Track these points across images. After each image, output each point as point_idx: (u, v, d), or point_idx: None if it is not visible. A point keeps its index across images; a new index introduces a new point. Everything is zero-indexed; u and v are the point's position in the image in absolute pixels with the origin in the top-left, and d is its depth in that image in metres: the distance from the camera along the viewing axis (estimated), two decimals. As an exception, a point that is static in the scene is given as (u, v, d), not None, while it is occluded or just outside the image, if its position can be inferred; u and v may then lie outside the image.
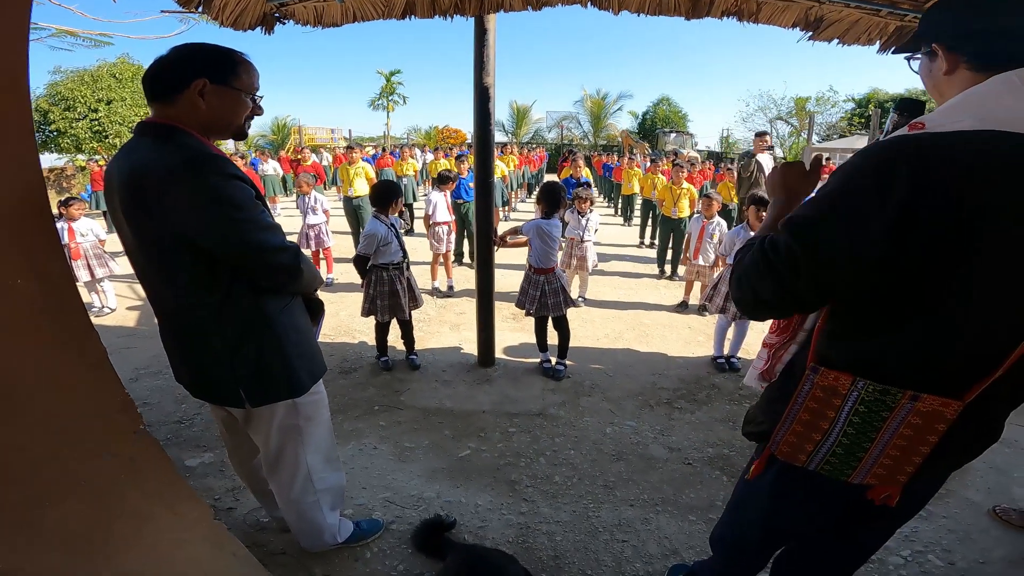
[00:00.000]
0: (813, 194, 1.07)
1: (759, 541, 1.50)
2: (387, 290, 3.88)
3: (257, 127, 31.41)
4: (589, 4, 2.91)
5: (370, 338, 4.73)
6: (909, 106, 1.42)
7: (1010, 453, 2.96)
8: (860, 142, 24.36)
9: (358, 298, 5.59)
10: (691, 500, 2.60)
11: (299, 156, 11.48)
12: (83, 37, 12.42)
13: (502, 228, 4.18)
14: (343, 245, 7.87)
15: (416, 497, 2.56)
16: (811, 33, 2.99)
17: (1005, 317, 0.89)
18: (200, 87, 1.36)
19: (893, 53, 1.20)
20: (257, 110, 1.53)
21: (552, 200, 3.86)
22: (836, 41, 3.04)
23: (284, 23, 3.30)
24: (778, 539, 1.48)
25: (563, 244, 5.46)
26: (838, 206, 0.91)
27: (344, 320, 5.24)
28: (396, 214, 3.92)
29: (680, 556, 2.20)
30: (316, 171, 9.17)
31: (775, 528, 1.40)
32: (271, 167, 11.69)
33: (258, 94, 1.52)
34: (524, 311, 4.06)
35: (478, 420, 3.40)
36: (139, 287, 6.18)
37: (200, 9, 2.84)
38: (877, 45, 2.99)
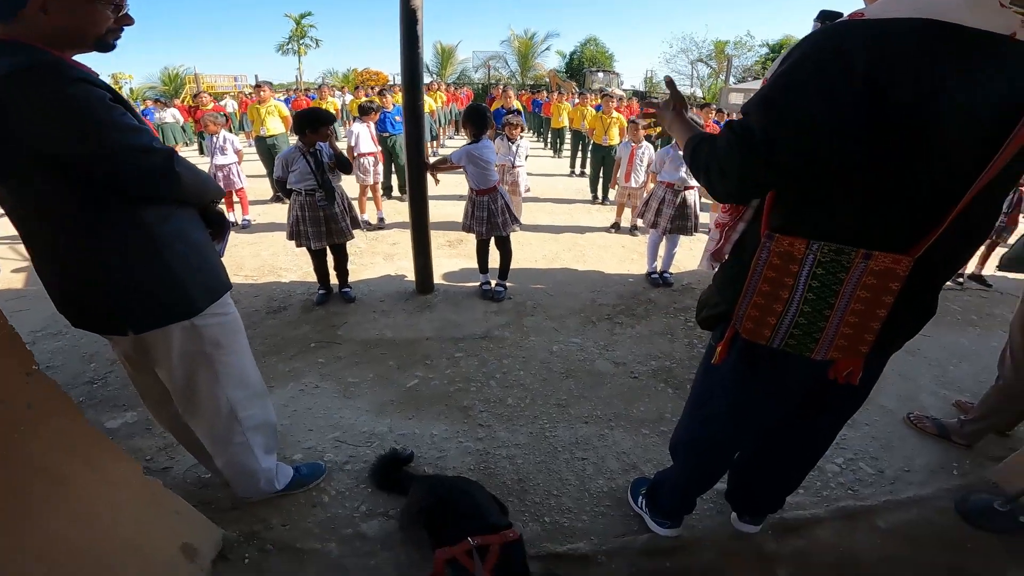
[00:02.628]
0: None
1: (724, 436, 1.46)
2: (307, 216, 3.48)
3: (145, 78, 27.44)
4: None
5: (297, 275, 4.34)
6: (830, 15, 1.56)
7: (915, 361, 3.11)
8: None
9: (279, 238, 5.10)
10: (642, 413, 2.55)
11: (197, 102, 9.96)
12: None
13: (432, 160, 3.83)
14: (260, 188, 7.13)
15: (368, 433, 2.33)
16: None
17: (950, 176, 0.91)
18: (41, 2, 1.14)
19: None
20: (124, 19, 1.29)
21: (478, 121, 3.57)
22: None
23: None
24: (743, 431, 1.44)
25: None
26: (805, 80, 0.90)
27: (267, 260, 4.72)
28: (322, 141, 3.44)
29: (639, 470, 2.15)
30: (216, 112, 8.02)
31: (741, 417, 1.36)
32: (169, 114, 10.05)
33: (124, 1, 1.27)
34: (474, 234, 3.82)
35: (422, 348, 3.18)
36: (21, 247, 5.25)
37: None
38: None
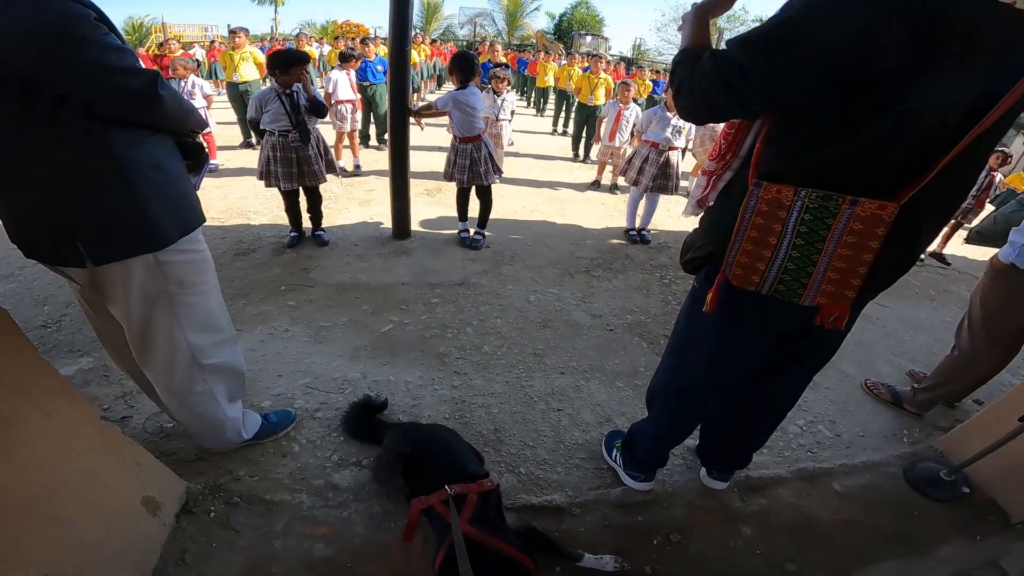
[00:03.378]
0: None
1: (703, 383, 1.45)
2: (278, 156, 3.30)
3: None
4: None
5: (267, 218, 4.13)
6: None
7: (874, 330, 3.16)
8: None
9: (248, 182, 4.81)
10: (616, 366, 2.53)
11: (163, 50, 9.12)
12: None
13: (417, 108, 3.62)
14: (229, 134, 6.70)
15: (340, 380, 2.24)
16: None
17: (940, 125, 0.91)
18: None
19: None
20: None
21: (464, 69, 3.39)
22: None
23: None
24: (721, 379, 1.43)
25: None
26: (797, 27, 0.89)
27: (236, 203, 4.44)
28: (297, 82, 3.25)
29: (613, 423, 2.13)
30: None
31: (722, 363, 1.36)
32: None
33: None
34: (455, 183, 3.68)
35: (398, 293, 3.06)
36: None
37: None
38: None
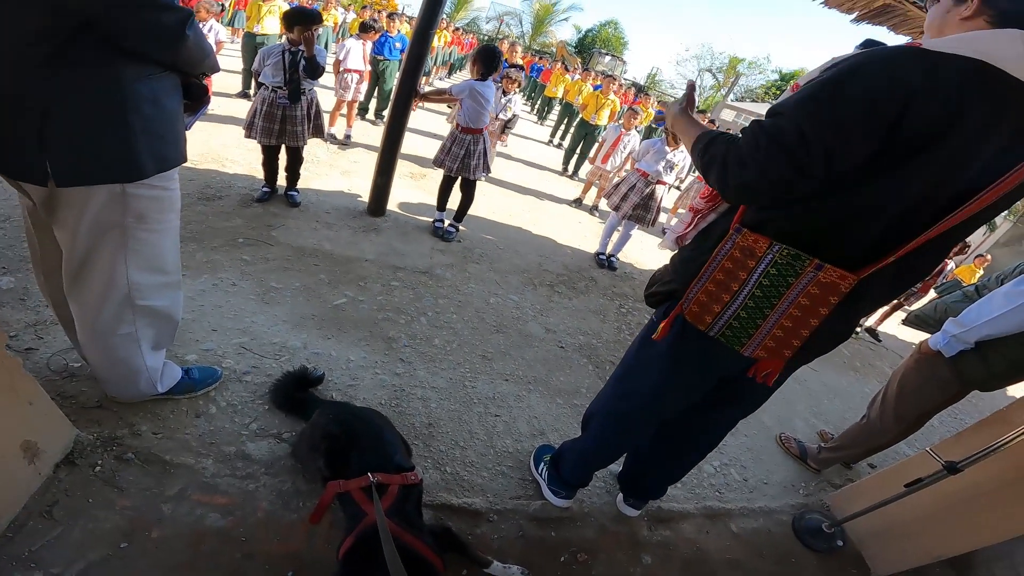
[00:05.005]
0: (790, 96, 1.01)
1: (640, 413, 1.45)
2: (265, 110, 3.17)
3: None
4: None
5: (243, 168, 3.92)
6: (874, 44, 1.43)
7: (799, 389, 3.25)
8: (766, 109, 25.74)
9: (234, 131, 4.58)
10: (560, 383, 2.48)
11: None
12: None
13: (425, 91, 3.53)
14: (229, 82, 6.38)
15: (279, 345, 2.10)
16: None
17: (918, 211, 0.93)
18: None
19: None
20: None
21: (488, 61, 3.34)
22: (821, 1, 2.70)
23: None
24: (658, 410, 1.44)
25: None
26: (852, 93, 0.87)
27: (215, 148, 4.20)
28: (300, 41, 3.11)
29: (546, 437, 2.08)
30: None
31: (662, 395, 1.39)
32: None
33: None
34: (444, 169, 3.58)
35: (359, 268, 2.94)
36: None
37: None
38: (854, 15, 2.71)
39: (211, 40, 4.90)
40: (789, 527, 2.07)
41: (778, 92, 30.33)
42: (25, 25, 1.00)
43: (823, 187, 0.94)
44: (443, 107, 3.40)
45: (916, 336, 5.12)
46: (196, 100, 1.40)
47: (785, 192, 0.96)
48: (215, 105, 5.48)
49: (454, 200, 3.79)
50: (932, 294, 5.33)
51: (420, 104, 3.75)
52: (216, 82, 5.59)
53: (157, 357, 1.55)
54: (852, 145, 0.89)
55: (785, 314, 1.05)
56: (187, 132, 1.37)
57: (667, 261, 1.33)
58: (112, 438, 1.50)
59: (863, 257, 0.99)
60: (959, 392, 2.02)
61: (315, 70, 3.21)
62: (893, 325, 5.53)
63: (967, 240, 5.44)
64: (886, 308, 5.38)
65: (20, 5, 0.99)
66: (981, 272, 6.81)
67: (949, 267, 5.38)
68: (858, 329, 5.07)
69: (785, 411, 2.94)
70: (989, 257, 7.01)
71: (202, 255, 2.60)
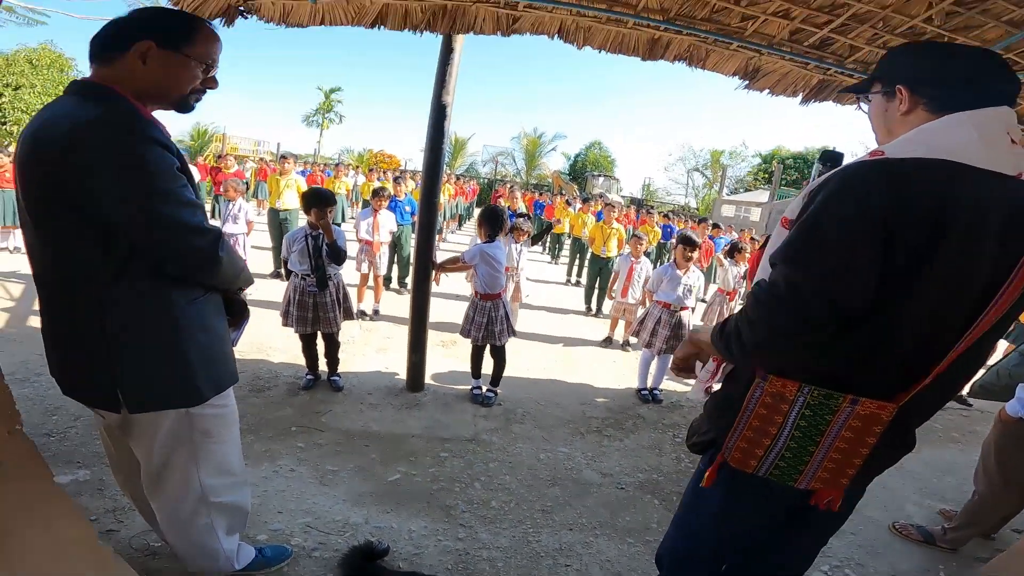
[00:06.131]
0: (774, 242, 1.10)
1: (710, 552, 1.44)
2: (297, 299, 3.55)
3: (175, 131, 28.61)
4: (556, 36, 2.96)
5: (287, 356, 4.35)
6: (832, 157, 1.64)
7: (898, 475, 3.16)
8: (762, 196, 27.33)
9: (273, 315, 5.13)
10: (627, 523, 2.50)
11: (220, 163, 10.37)
12: (19, 14, 10.87)
13: (437, 256, 4.02)
14: (261, 260, 7.28)
15: (341, 522, 2.25)
16: (748, 82, 3.22)
17: (941, 327, 0.97)
18: (144, 49, 1.20)
19: (844, 92, 1.35)
20: (210, 82, 1.34)
21: (494, 223, 3.76)
22: (767, 91, 3.29)
23: (247, 17, 3.03)
24: (727, 549, 1.43)
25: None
26: (827, 235, 0.95)
27: (258, 337, 4.74)
28: (317, 224, 3.43)
29: (626, 579, 2.07)
30: (238, 179, 8.20)
31: (726, 536, 1.37)
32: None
33: (215, 65, 1.34)
34: (470, 339, 3.87)
35: (407, 444, 3.13)
36: (12, 286, 5.32)
37: (161, -9, 2.56)
38: (800, 97, 3.28)
39: (242, 220, 5.56)
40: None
41: (766, 175, 32.07)
42: (82, 256, 1.17)
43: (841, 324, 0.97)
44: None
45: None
46: (238, 316, 1.58)
47: (804, 341, 0.99)
48: (253, 288, 6.15)
49: (487, 364, 4.04)
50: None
51: (440, 277, 4.00)
52: (251, 263, 6.03)
53: (232, 540, 1.74)
54: (850, 283, 0.93)
55: (832, 448, 1.06)
56: (234, 347, 1.56)
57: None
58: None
59: (899, 383, 1.01)
60: None
61: (337, 255, 3.52)
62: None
63: None
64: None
65: (77, 236, 1.16)
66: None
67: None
68: None
69: (890, 500, 2.90)
70: None
71: (259, 445, 2.87)
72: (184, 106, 1.34)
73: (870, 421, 1.01)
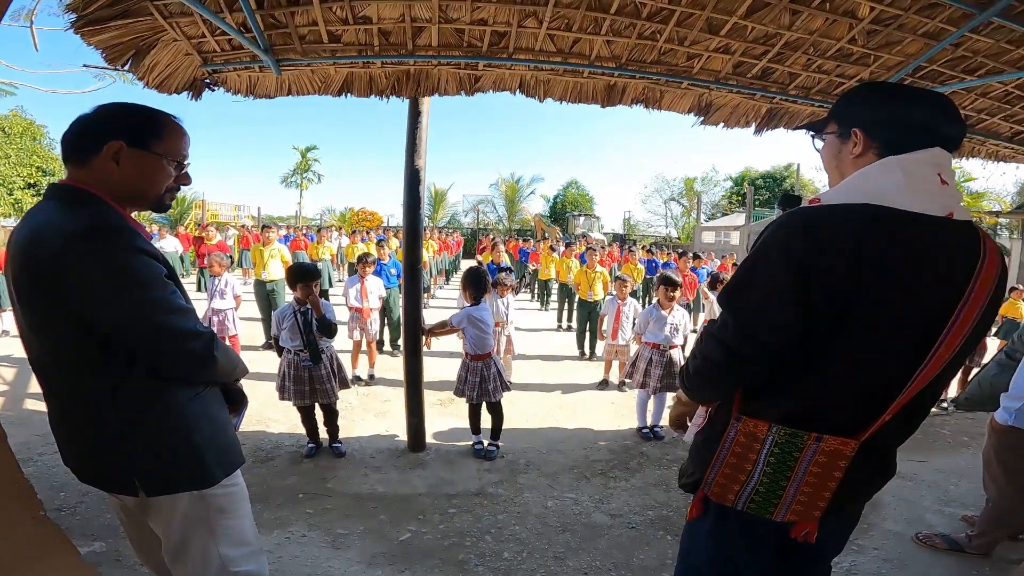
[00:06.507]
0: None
1: None
2: (292, 373, 3.65)
3: None
4: (518, 91, 3.23)
5: (287, 427, 4.40)
6: (789, 200, 1.85)
7: (913, 486, 3.26)
8: (739, 219, 27.83)
9: (268, 387, 5.19)
10: (643, 561, 2.56)
11: (203, 234, 10.53)
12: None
13: (426, 317, 4.15)
14: (252, 332, 7.36)
15: (358, 584, 2.29)
16: (703, 117, 3.51)
17: (886, 365, 1.04)
18: (116, 149, 1.25)
19: (800, 129, 1.47)
20: (183, 179, 1.40)
21: (478, 286, 3.92)
22: (722, 124, 3.57)
23: (214, 90, 3.24)
24: None
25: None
26: (755, 276, 1.07)
27: (255, 409, 4.78)
28: (303, 299, 3.59)
29: (645, 616, 2.12)
30: (222, 251, 8.22)
31: (724, 569, 1.39)
32: (170, 244, 10.36)
33: (186, 161, 1.40)
34: (465, 398, 3.97)
35: (415, 503, 3.17)
36: (5, 370, 5.33)
37: (127, 67, 2.76)
38: (753, 127, 3.57)
39: (229, 295, 5.64)
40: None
41: (739, 198, 32.91)
42: (91, 364, 1.24)
43: (795, 365, 1.06)
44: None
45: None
46: (236, 404, 1.66)
47: (734, 375, 1.12)
48: (246, 360, 6.10)
49: (486, 419, 4.10)
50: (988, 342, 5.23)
51: (430, 344, 4.08)
52: (242, 335, 6.21)
53: None
54: (771, 322, 1.03)
55: (802, 482, 1.13)
56: (237, 432, 1.67)
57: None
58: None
59: (860, 420, 1.07)
60: None
61: (328, 329, 3.64)
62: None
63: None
64: (959, 375, 5.29)
65: (77, 345, 1.22)
66: (1022, 304, 7.18)
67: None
68: (945, 404, 4.93)
69: (909, 511, 2.96)
70: (1022, 287, 7.32)
71: (269, 513, 2.91)
72: (160, 205, 1.39)
73: (835, 456, 1.09)
